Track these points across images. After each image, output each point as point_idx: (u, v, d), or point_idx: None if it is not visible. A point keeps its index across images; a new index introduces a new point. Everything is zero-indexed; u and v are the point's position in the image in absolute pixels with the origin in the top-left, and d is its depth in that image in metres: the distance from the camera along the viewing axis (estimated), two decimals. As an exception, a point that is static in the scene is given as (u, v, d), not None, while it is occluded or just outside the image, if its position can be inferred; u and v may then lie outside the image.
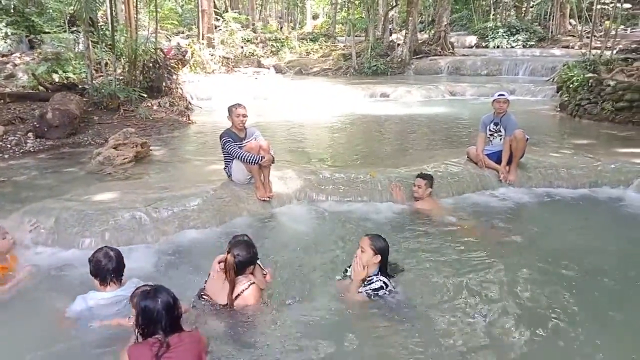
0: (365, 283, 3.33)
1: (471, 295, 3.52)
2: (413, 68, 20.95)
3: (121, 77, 11.41)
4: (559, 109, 11.78)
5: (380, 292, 3.28)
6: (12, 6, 15.49)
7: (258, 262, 3.51)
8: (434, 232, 4.67)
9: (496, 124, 6.03)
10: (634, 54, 14.75)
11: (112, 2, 12.99)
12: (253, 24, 26.41)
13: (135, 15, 13.71)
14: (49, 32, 14.87)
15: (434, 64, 20.95)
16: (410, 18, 21.50)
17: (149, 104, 10.85)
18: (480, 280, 3.72)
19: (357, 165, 7.02)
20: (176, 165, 7.10)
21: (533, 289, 3.62)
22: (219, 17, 22.84)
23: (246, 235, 3.58)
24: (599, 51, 15.00)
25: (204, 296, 3.21)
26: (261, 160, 4.96)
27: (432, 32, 24.19)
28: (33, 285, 3.62)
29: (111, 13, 12.87)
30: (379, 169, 6.07)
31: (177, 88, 12.42)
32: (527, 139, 5.90)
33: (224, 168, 5.40)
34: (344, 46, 25.12)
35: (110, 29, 12.26)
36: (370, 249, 3.31)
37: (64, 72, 12.41)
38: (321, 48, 25.48)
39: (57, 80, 11.74)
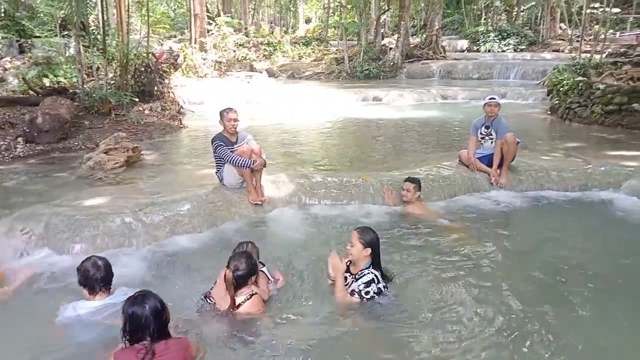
0: (357, 277, 3.32)
1: (460, 298, 3.53)
2: (405, 72, 21.01)
3: (112, 82, 11.37)
4: (549, 112, 11.87)
5: (372, 287, 3.26)
6: (3, 10, 15.39)
7: (264, 269, 3.51)
8: (423, 234, 4.70)
9: (487, 127, 6.07)
10: (623, 57, 14.86)
11: (104, 6, 12.94)
12: (246, 28, 26.37)
13: (127, 19, 13.66)
14: (39, 36, 14.80)
15: (425, 68, 21.03)
16: (402, 22, 21.59)
17: (141, 109, 10.80)
18: (470, 283, 3.73)
19: (349, 169, 7.03)
20: (168, 170, 7.07)
21: (523, 291, 3.64)
22: (211, 21, 22.78)
23: (250, 242, 3.58)
24: (588, 55, 15.11)
25: (209, 298, 3.25)
26: (253, 164, 4.96)
27: (424, 36, 24.25)
28: (22, 291, 3.59)
29: (103, 17, 12.78)
30: (371, 173, 6.09)
31: (169, 92, 12.39)
32: (518, 142, 5.94)
33: (216, 172, 5.39)
34: (337, 50, 25.13)
35: (101, 33, 12.18)
36: (359, 242, 3.30)
37: (54, 76, 12.35)
38: (314, 52, 25.52)
39: (47, 84, 11.67)
